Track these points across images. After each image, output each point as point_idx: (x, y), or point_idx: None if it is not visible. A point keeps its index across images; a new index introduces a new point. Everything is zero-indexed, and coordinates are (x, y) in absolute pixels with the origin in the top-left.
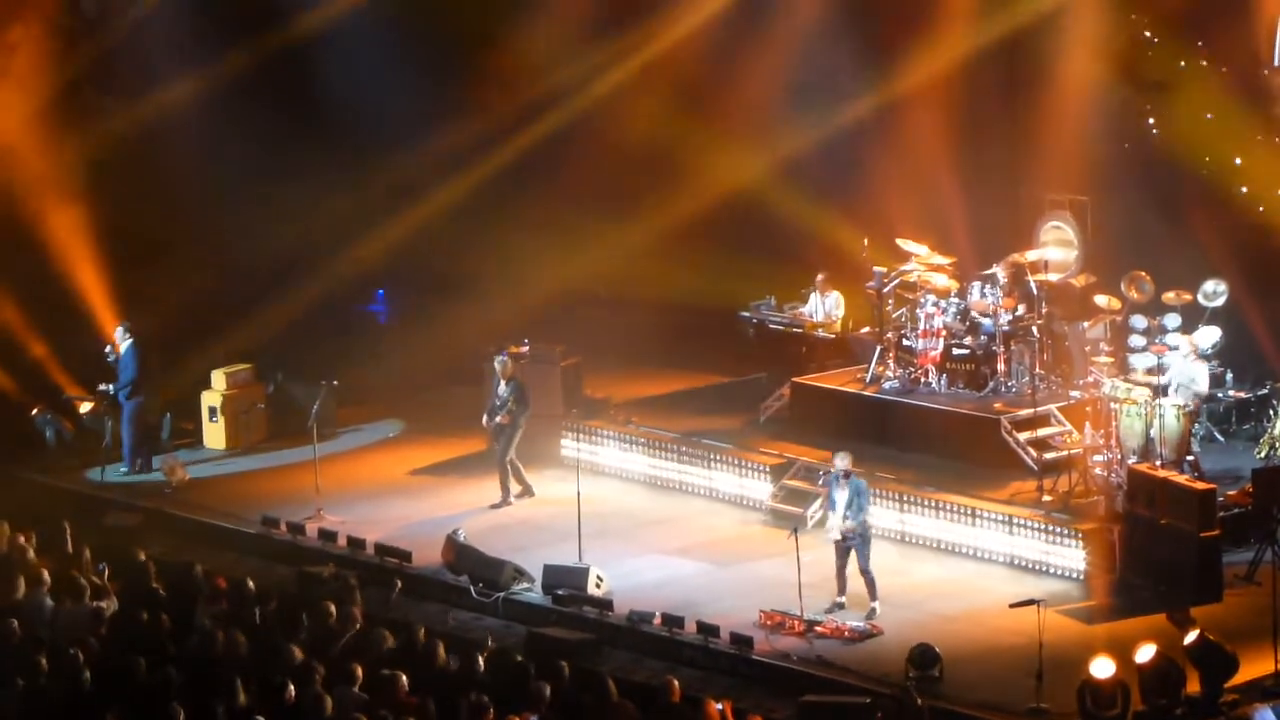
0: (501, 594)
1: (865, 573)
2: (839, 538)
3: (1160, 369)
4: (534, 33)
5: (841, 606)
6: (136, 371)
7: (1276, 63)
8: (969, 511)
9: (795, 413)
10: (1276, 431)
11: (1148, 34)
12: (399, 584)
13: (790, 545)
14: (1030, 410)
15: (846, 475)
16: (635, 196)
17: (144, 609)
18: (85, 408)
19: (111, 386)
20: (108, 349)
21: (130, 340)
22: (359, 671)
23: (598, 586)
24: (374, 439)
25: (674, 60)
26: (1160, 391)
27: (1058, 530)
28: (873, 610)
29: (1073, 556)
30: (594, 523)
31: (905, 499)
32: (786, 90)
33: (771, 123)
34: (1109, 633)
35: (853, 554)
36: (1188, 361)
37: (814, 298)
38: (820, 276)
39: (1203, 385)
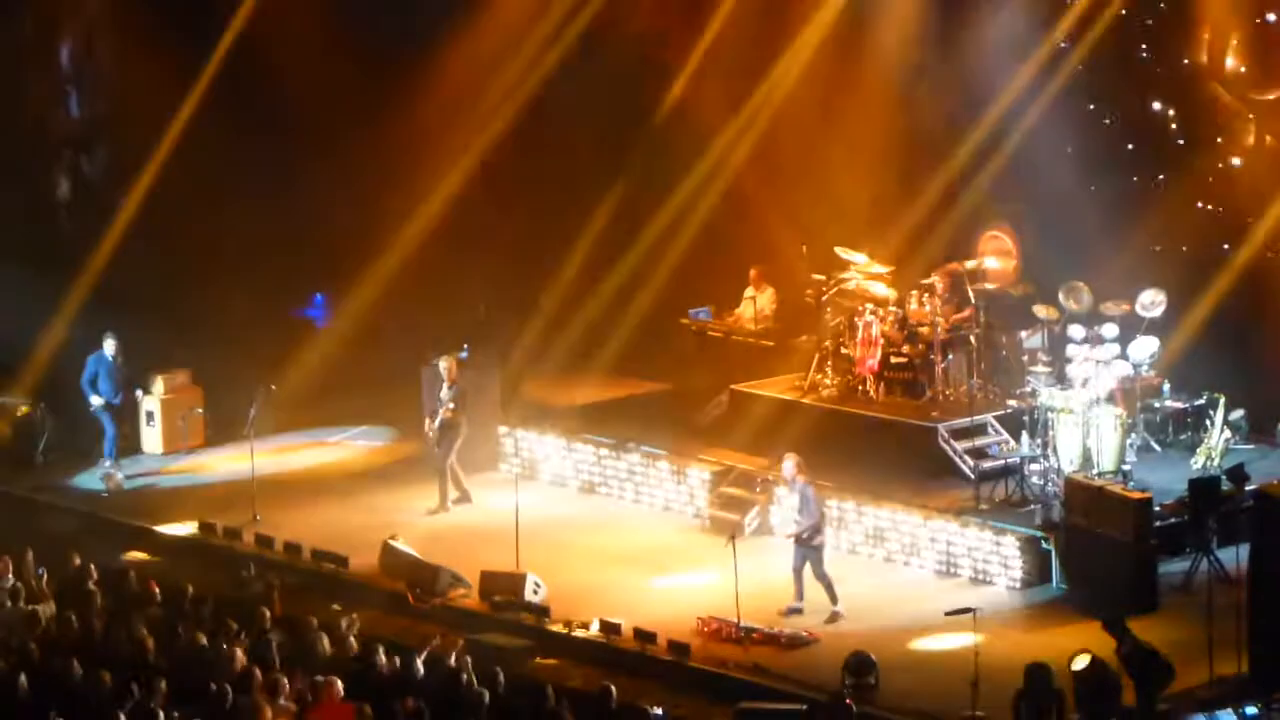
0: (438, 600)
1: (821, 577)
2: (790, 533)
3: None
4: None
5: (799, 611)
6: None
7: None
8: (906, 519)
9: (735, 420)
10: (1213, 441)
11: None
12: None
13: (728, 552)
14: (968, 419)
15: (794, 479)
16: (577, 207)
17: (80, 613)
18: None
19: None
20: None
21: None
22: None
23: (535, 593)
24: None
25: (616, 69)
26: (1095, 403)
27: (994, 539)
28: (834, 615)
29: (1009, 565)
30: (532, 529)
31: (842, 507)
32: (726, 96)
33: (710, 129)
34: (1044, 641)
35: (808, 560)
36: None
37: (747, 293)
38: (754, 271)
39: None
